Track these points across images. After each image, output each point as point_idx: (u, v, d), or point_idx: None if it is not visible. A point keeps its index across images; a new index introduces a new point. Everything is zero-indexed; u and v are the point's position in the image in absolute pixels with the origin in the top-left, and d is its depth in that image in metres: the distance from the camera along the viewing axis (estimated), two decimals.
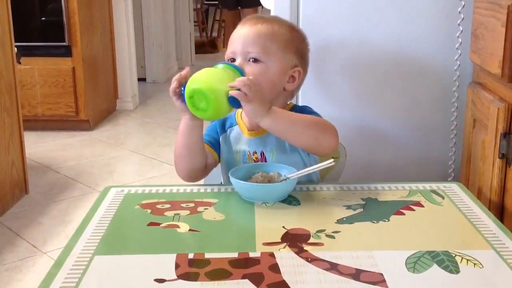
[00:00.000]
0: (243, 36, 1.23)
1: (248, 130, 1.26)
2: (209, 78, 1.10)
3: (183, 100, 1.14)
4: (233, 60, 1.23)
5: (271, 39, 1.23)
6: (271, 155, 1.24)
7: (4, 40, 2.43)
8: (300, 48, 1.28)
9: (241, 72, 1.16)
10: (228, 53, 1.25)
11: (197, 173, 1.25)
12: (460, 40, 1.45)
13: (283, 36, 1.25)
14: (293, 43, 1.26)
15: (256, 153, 1.25)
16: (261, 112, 1.12)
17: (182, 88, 1.14)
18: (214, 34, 7.76)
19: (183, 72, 1.17)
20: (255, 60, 1.21)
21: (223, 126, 1.30)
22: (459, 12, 1.43)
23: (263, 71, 1.21)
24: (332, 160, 1.14)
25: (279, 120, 1.14)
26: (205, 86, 1.09)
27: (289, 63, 1.24)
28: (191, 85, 1.10)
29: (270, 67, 1.22)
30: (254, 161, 1.25)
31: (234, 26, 1.30)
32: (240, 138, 1.27)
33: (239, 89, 1.09)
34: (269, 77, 1.22)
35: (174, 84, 1.17)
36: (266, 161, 1.24)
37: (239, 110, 1.30)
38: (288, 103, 1.29)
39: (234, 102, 1.10)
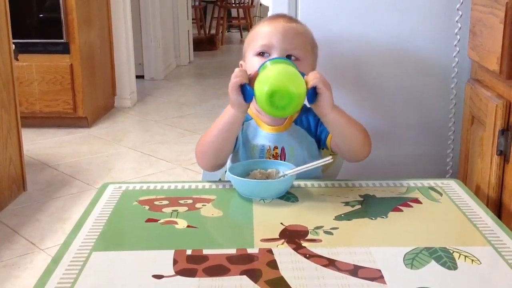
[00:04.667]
0: (281, 31, 1.24)
1: (269, 125, 1.28)
2: (290, 77, 1.10)
3: (243, 95, 1.13)
4: (262, 53, 1.24)
5: (306, 40, 1.28)
6: (290, 152, 1.26)
7: (2, 37, 2.42)
8: (317, 52, 1.33)
9: (295, 66, 1.16)
10: (258, 46, 1.24)
11: (222, 165, 1.27)
12: (458, 37, 1.45)
13: (312, 38, 1.30)
14: (316, 47, 1.32)
15: (276, 148, 1.26)
16: (332, 104, 1.15)
17: (246, 85, 1.12)
18: (212, 31, 7.75)
19: (244, 71, 1.15)
20: (294, 58, 1.23)
21: None
22: (457, 9, 1.43)
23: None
24: (330, 157, 1.15)
25: (343, 117, 1.18)
26: (291, 85, 1.09)
27: (313, 64, 1.30)
28: (274, 84, 1.08)
29: (305, 66, 1.24)
30: (273, 156, 1.26)
31: None
32: (257, 132, 1.28)
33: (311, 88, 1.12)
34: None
35: (238, 78, 1.13)
36: (285, 157, 1.26)
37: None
38: None
39: (311, 97, 1.13)
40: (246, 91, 1.12)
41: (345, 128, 1.19)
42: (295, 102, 1.09)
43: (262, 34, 1.25)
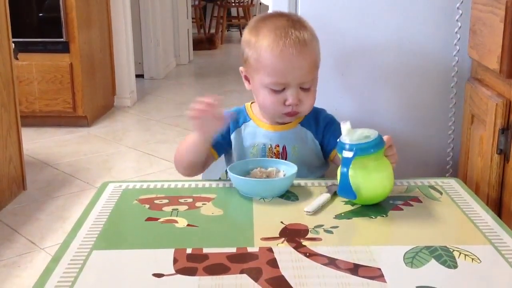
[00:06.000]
0: (298, 68, 1.20)
1: (270, 124, 1.28)
2: (386, 191, 1.10)
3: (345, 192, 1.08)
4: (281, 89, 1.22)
5: (316, 64, 1.25)
6: (293, 151, 1.26)
7: (2, 36, 2.42)
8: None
9: (380, 140, 1.08)
10: (271, 83, 1.21)
11: (196, 172, 1.30)
12: (458, 36, 1.45)
13: (317, 44, 1.27)
14: (319, 47, 1.28)
15: (278, 146, 1.27)
16: None
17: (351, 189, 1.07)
18: (212, 30, 7.75)
19: (212, 102, 1.13)
20: (306, 88, 1.23)
21: (237, 122, 1.30)
22: (458, 7, 1.43)
23: (313, 95, 1.25)
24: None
25: None
26: (387, 195, 1.11)
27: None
28: (374, 200, 1.09)
29: (315, 88, 1.26)
30: (275, 154, 1.27)
31: None
32: (257, 132, 1.28)
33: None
34: (315, 97, 1.26)
35: (201, 108, 1.13)
36: (287, 155, 1.26)
37: (248, 104, 1.33)
38: None
39: None
40: (348, 190, 1.06)
41: None
42: None
43: (274, 69, 1.20)
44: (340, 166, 1.08)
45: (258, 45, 1.22)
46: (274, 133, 1.27)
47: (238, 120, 1.30)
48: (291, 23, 1.23)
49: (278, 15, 1.29)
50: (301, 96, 1.22)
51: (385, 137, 1.10)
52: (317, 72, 1.26)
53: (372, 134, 1.07)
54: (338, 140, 1.09)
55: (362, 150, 1.05)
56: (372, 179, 1.07)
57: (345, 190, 1.06)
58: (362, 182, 1.06)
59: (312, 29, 1.27)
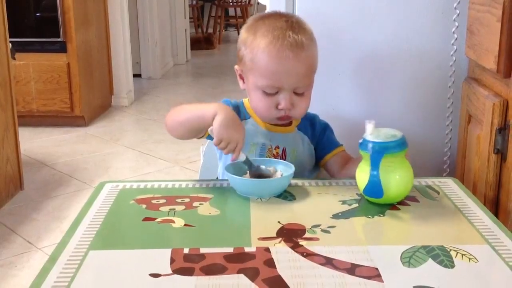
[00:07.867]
0: (293, 72, 1.18)
1: (271, 124, 1.27)
2: (408, 188, 1.10)
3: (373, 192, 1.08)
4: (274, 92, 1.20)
5: (313, 69, 1.24)
6: (292, 154, 1.26)
7: None
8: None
9: (405, 139, 1.08)
10: (266, 86, 1.19)
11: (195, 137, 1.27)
12: (455, 35, 1.45)
13: (316, 57, 1.24)
14: (317, 51, 1.26)
15: (278, 148, 1.26)
16: None
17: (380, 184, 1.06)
18: (210, 30, 7.75)
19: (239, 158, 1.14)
20: (300, 92, 1.21)
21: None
22: (455, 7, 1.43)
23: (307, 100, 1.24)
24: None
25: None
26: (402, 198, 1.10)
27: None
28: (396, 200, 1.09)
29: (310, 93, 1.25)
30: (274, 155, 1.26)
31: None
32: (257, 131, 1.27)
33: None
34: (309, 102, 1.25)
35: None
36: (285, 158, 1.25)
37: (246, 100, 1.30)
38: None
39: None
40: (378, 189, 1.06)
41: None
42: None
43: (269, 72, 1.18)
44: (361, 165, 1.08)
45: (254, 45, 1.20)
46: (274, 134, 1.26)
47: (239, 116, 1.26)
48: (289, 24, 1.20)
49: (277, 15, 1.26)
50: (294, 100, 1.20)
51: None
52: (313, 77, 1.25)
53: (397, 133, 1.08)
54: (362, 139, 1.08)
55: (390, 148, 1.05)
56: (399, 177, 1.07)
57: (373, 189, 1.06)
58: (391, 180, 1.06)
59: (311, 32, 1.24)
